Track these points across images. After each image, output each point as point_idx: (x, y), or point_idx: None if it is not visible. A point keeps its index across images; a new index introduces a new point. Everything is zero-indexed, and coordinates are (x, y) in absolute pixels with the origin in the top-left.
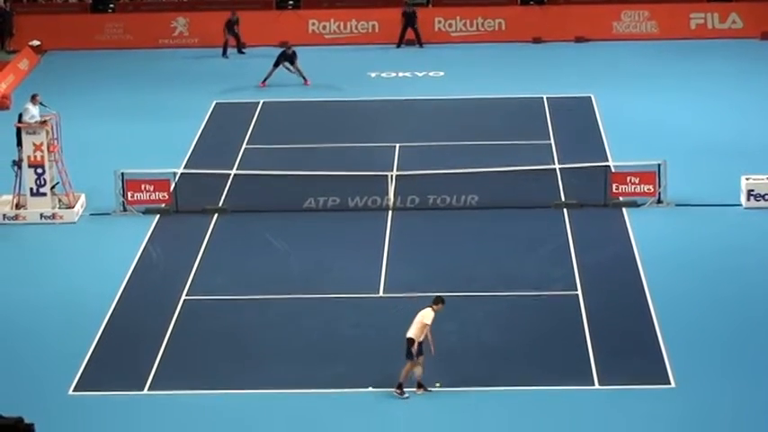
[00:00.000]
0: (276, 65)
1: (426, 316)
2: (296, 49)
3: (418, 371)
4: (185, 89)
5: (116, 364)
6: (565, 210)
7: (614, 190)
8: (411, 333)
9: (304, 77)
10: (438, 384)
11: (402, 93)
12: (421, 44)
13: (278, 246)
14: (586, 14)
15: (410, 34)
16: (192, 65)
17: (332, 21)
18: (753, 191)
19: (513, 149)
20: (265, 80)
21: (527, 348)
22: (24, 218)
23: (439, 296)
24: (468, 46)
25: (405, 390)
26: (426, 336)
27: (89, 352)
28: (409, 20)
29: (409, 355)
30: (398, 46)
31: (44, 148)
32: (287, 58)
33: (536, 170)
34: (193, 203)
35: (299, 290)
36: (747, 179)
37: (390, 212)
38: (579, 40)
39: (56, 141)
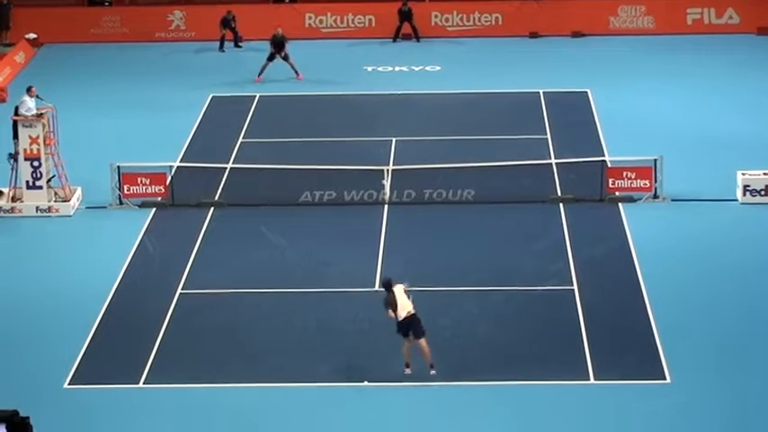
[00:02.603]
0: (270, 58)
1: (403, 289)
2: (292, 43)
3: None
4: (182, 83)
5: (111, 357)
6: (561, 204)
7: (610, 185)
8: (412, 307)
9: (296, 71)
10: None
11: (399, 87)
12: (418, 39)
13: (274, 240)
14: (583, 9)
15: (407, 29)
16: (189, 58)
17: (328, 15)
18: (749, 186)
19: (509, 144)
20: (260, 74)
21: (522, 343)
22: (20, 211)
23: (384, 280)
24: (464, 41)
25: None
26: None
27: (84, 345)
28: (405, 17)
29: (420, 332)
30: (395, 40)
31: (40, 141)
32: (276, 44)
33: (532, 165)
34: (190, 197)
35: (294, 284)
36: (743, 174)
37: (386, 207)
38: (576, 35)
39: (52, 134)
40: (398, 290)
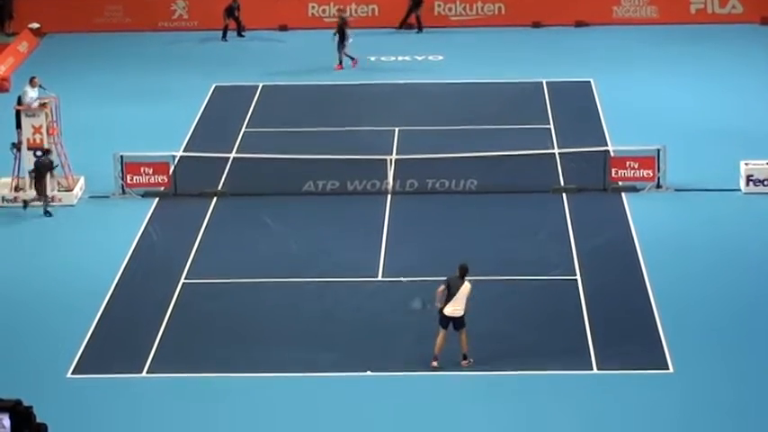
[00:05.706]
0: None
1: (470, 290)
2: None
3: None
4: (185, 72)
5: (115, 346)
6: (564, 194)
7: (613, 175)
8: (462, 311)
9: (351, 57)
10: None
11: (401, 77)
12: (420, 30)
13: (276, 229)
14: None
15: (411, 18)
16: (192, 48)
17: (331, 4)
18: (752, 176)
19: (512, 134)
20: (343, 61)
21: (525, 333)
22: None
23: (463, 266)
24: (467, 30)
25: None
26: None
27: (88, 335)
28: (416, 5)
29: (460, 326)
30: (399, 28)
31: (43, 130)
32: (342, 33)
33: (535, 155)
34: (192, 186)
35: (297, 273)
36: (746, 164)
37: (389, 196)
38: (579, 24)
39: (55, 124)
40: (465, 287)
